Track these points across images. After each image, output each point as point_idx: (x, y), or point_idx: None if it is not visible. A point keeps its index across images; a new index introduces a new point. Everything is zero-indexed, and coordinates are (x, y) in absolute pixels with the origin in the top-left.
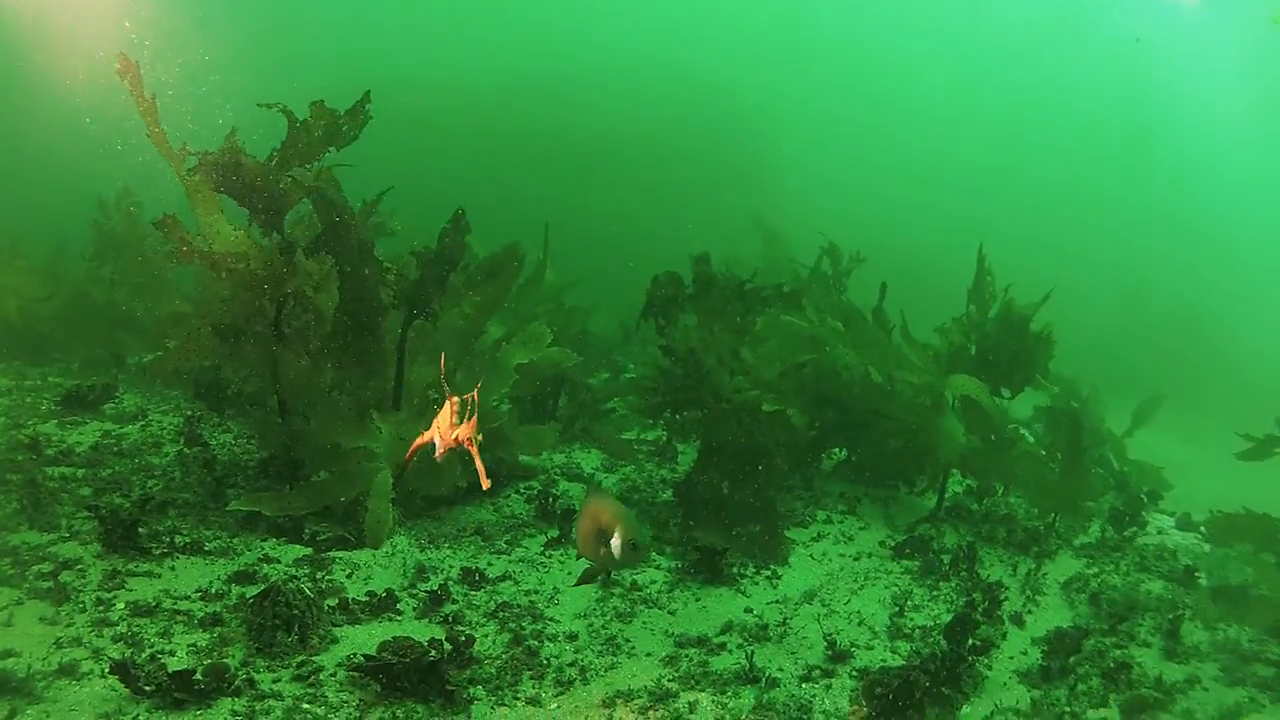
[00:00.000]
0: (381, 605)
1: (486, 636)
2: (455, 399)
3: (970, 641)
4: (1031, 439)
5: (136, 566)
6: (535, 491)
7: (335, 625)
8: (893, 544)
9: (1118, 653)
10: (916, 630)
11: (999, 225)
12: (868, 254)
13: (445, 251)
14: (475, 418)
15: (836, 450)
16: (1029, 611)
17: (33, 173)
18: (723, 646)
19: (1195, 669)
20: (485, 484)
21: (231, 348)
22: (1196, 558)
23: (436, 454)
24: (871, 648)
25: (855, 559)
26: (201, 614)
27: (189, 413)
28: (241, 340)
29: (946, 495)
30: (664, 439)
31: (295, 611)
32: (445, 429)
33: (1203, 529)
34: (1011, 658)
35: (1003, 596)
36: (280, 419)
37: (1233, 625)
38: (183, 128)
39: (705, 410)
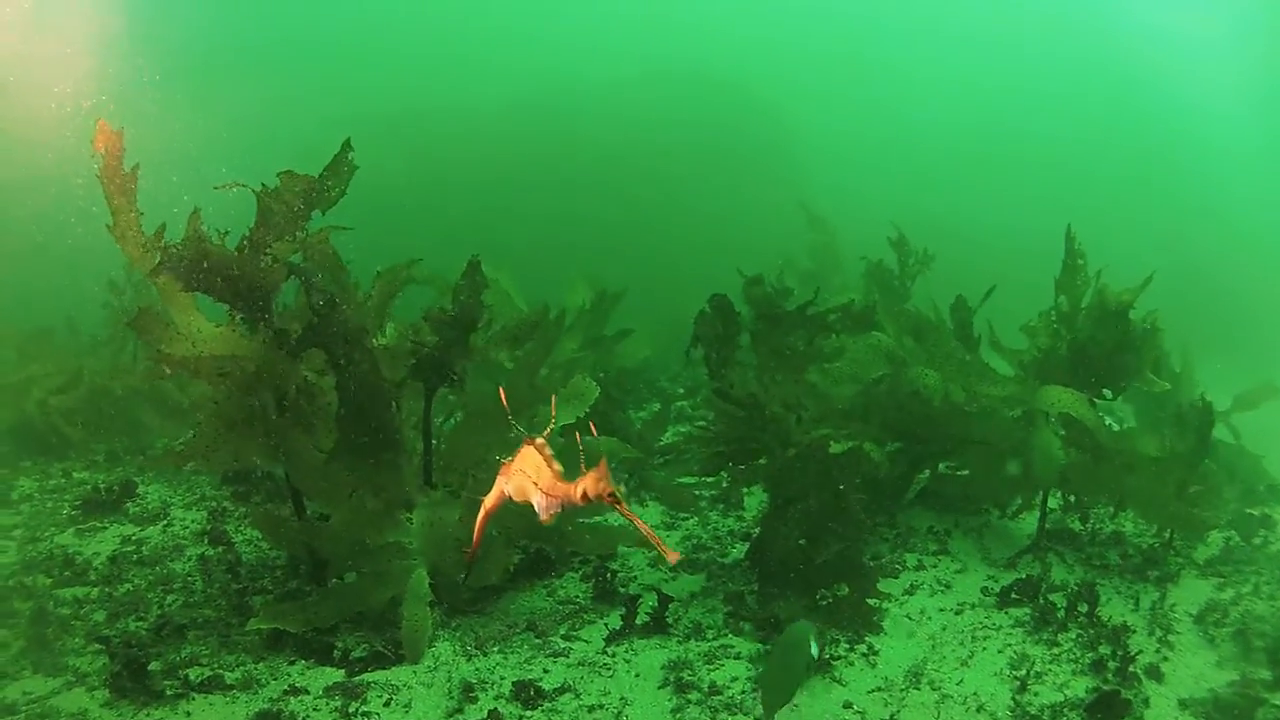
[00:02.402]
0: None
1: None
2: (538, 440)
3: None
4: (1116, 426)
5: (148, 716)
6: (592, 568)
7: None
8: (996, 588)
9: None
10: (1046, 711)
11: (1078, 204)
12: (933, 249)
13: (462, 311)
14: (604, 464)
15: (921, 475)
16: (1165, 659)
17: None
18: None
19: None
20: (673, 557)
21: (241, 440)
22: None
23: (543, 516)
24: None
25: (957, 613)
26: None
27: (214, 505)
28: (249, 433)
29: (1045, 514)
30: (726, 483)
31: None
32: (549, 481)
33: None
34: None
35: (1133, 648)
36: (297, 516)
37: None
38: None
39: (771, 459)
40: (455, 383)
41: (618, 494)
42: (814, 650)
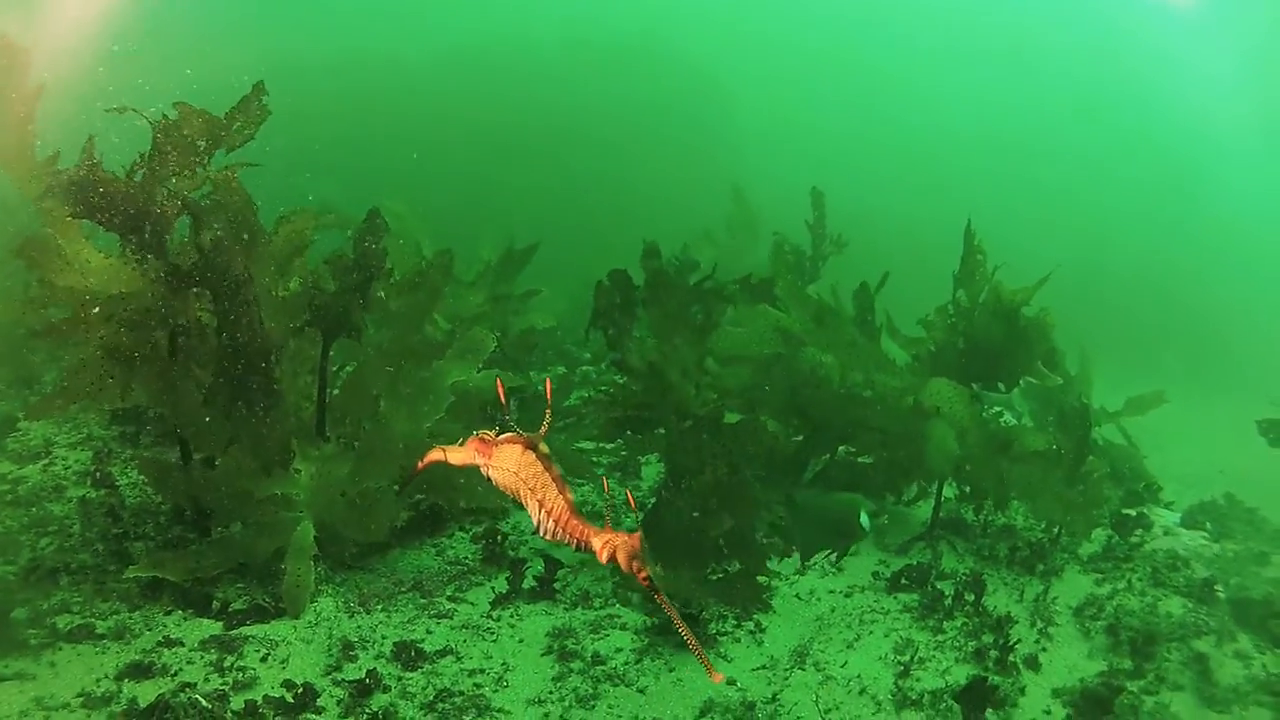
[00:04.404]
0: (300, 703)
1: None
2: (533, 439)
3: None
4: (1013, 420)
5: (6, 667)
6: (483, 529)
7: None
8: (887, 573)
9: (1150, 701)
10: (926, 696)
11: (995, 200)
12: (849, 236)
13: (364, 258)
14: (639, 539)
15: (818, 459)
16: (1043, 649)
17: None
18: None
19: (1240, 719)
20: (717, 678)
21: (127, 376)
22: (1209, 563)
23: (541, 533)
24: None
25: (847, 595)
26: None
27: (100, 446)
28: (136, 369)
29: (940, 503)
30: (624, 451)
31: None
32: (559, 507)
33: (1209, 525)
34: (1034, 719)
35: (1013, 638)
36: (183, 462)
37: (1265, 652)
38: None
39: (668, 429)
40: (354, 333)
41: (653, 579)
42: (866, 523)
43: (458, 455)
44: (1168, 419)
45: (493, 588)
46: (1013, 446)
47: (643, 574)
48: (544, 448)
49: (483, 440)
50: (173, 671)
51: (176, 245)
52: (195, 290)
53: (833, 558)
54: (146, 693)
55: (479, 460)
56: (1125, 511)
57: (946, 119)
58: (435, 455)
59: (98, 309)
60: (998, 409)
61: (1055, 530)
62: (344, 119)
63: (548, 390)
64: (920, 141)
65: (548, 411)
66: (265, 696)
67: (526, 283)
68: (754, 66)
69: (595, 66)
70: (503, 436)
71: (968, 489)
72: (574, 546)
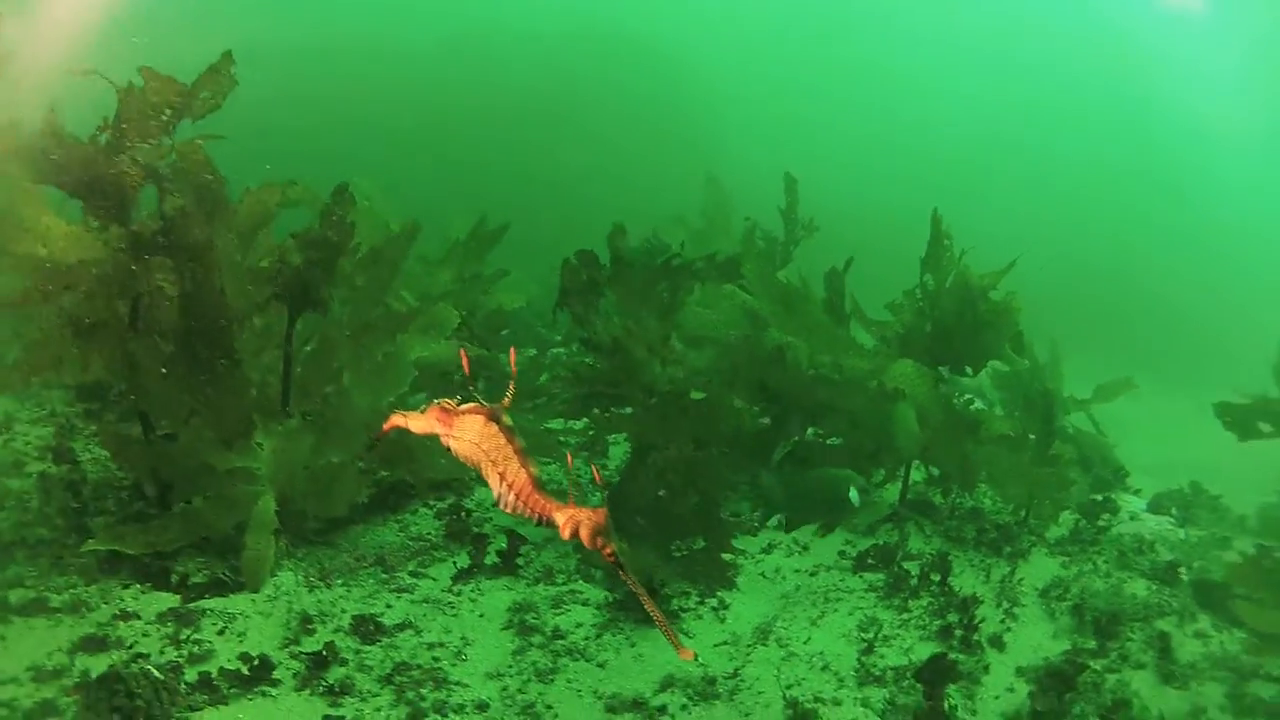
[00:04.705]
0: (255, 675)
1: (379, 712)
2: (496, 409)
3: (949, 687)
4: (985, 406)
5: None
6: (446, 505)
7: (194, 709)
8: (853, 553)
9: (1112, 679)
10: (889, 672)
11: (975, 192)
12: (821, 221)
13: (330, 232)
14: (605, 514)
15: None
16: (1008, 629)
17: None
18: (662, 710)
19: (1197, 695)
20: (686, 654)
21: (88, 348)
22: (1174, 547)
23: (502, 507)
24: (839, 702)
25: (812, 574)
26: (30, 702)
27: (63, 422)
28: (97, 339)
29: (908, 485)
30: (591, 430)
31: (138, 702)
32: (521, 480)
33: (1174, 511)
34: (997, 697)
35: (979, 616)
36: (144, 435)
37: (1223, 630)
38: None
39: (635, 406)
40: (320, 307)
41: (620, 557)
42: (854, 498)
43: (419, 423)
44: (1139, 411)
45: (455, 563)
46: (980, 430)
47: (608, 549)
48: (507, 419)
49: (444, 409)
50: (128, 645)
51: (142, 214)
52: (157, 259)
53: (820, 532)
54: (99, 666)
55: (439, 429)
56: (1093, 497)
57: (929, 110)
58: (397, 421)
59: (58, 277)
60: (969, 396)
61: (1023, 513)
62: (319, 104)
63: (511, 360)
64: (900, 132)
65: (511, 383)
66: (221, 669)
67: (499, 266)
68: (732, 55)
69: (575, 54)
70: (465, 406)
71: (936, 472)
72: (535, 521)
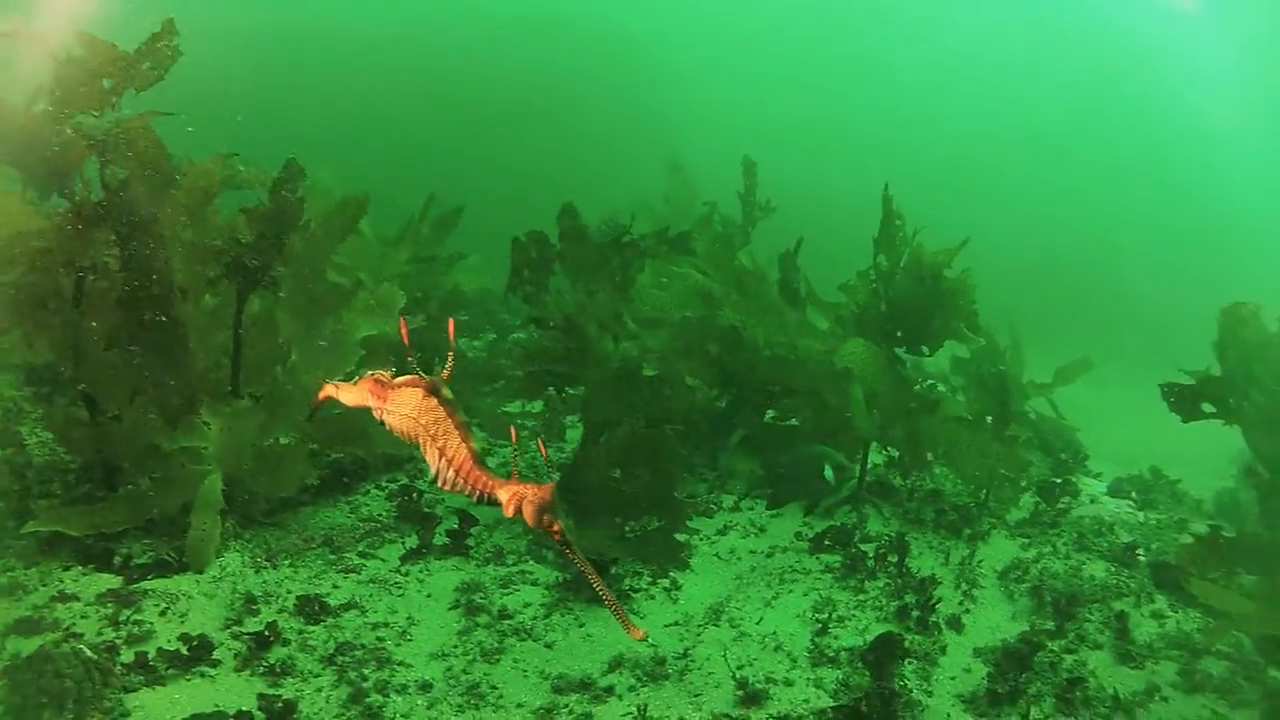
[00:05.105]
0: (194, 656)
1: (320, 692)
2: (435, 382)
3: (900, 667)
4: (946, 391)
5: None
6: (399, 486)
7: (129, 690)
8: (810, 534)
9: (1069, 659)
10: (843, 653)
11: (930, 172)
12: (799, 208)
13: (281, 208)
14: (552, 490)
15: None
16: (966, 611)
17: None
18: (610, 690)
19: (1152, 673)
20: (637, 634)
21: (32, 324)
22: (1133, 530)
23: (441, 484)
24: (791, 682)
25: (768, 555)
26: None
27: (9, 405)
28: (39, 316)
29: (868, 469)
30: (547, 413)
31: (68, 683)
32: (460, 456)
33: (1134, 495)
34: (953, 677)
35: (936, 597)
36: (90, 417)
37: (1179, 610)
38: None
39: (587, 383)
40: (270, 285)
41: (566, 534)
42: (829, 475)
43: (350, 395)
44: (1106, 401)
45: (405, 544)
46: (935, 409)
47: (555, 527)
48: (447, 392)
49: (378, 381)
50: (64, 626)
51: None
52: (101, 233)
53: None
54: (31, 648)
55: (372, 402)
56: (1053, 480)
57: (898, 99)
58: (328, 391)
59: None
60: (931, 381)
61: (983, 495)
62: (284, 90)
63: (450, 332)
64: (865, 120)
65: (450, 355)
66: (159, 649)
67: (461, 250)
68: (698, 44)
69: (540, 42)
70: (401, 379)
71: (896, 454)
72: (475, 498)
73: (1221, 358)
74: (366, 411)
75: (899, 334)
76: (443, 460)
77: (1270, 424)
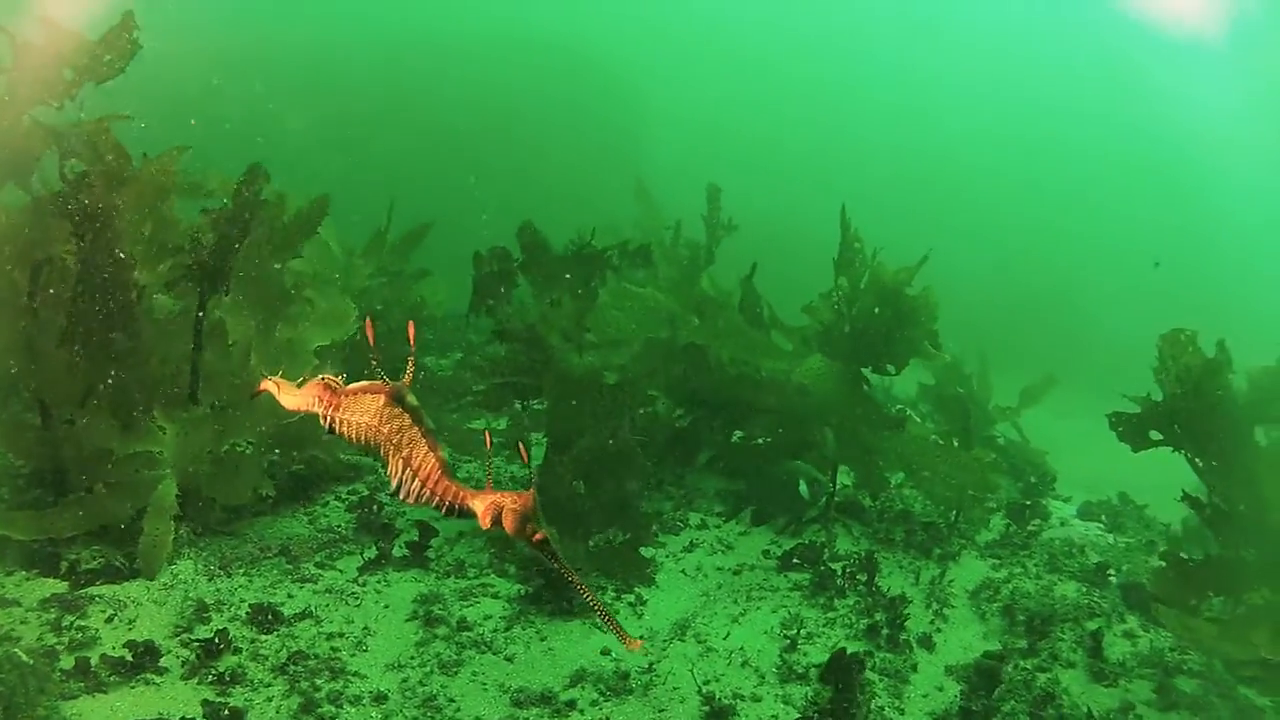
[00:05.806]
0: (139, 663)
1: (270, 701)
2: (398, 388)
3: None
4: (918, 418)
5: None
6: (359, 498)
7: (67, 697)
8: (778, 553)
9: (1043, 678)
10: (812, 669)
11: (897, 199)
12: (742, 223)
13: (242, 211)
14: (533, 496)
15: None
16: (938, 630)
17: None
18: (572, 705)
19: (1125, 691)
20: (633, 645)
21: None
22: (1104, 551)
23: (404, 496)
24: (759, 698)
25: (735, 573)
26: None
27: None
28: None
29: (836, 489)
30: (510, 427)
31: (1, 689)
32: (427, 464)
33: (1103, 518)
34: (925, 695)
35: (906, 614)
36: (42, 421)
37: (1150, 630)
38: None
39: (549, 394)
40: (228, 290)
41: (551, 540)
42: (804, 491)
43: (293, 398)
44: (1076, 429)
45: (363, 555)
46: (901, 426)
47: (537, 535)
48: (411, 398)
49: (328, 386)
50: (4, 631)
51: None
52: (58, 228)
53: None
54: None
55: (318, 409)
56: (1023, 502)
57: (865, 126)
58: (268, 386)
59: None
60: (900, 406)
61: (953, 516)
62: (255, 106)
63: (410, 335)
64: (829, 147)
65: (410, 359)
66: (103, 655)
67: (427, 268)
68: (668, 69)
69: (513, 65)
70: (358, 384)
71: (865, 473)
72: (443, 511)
73: (1161, 384)
74: (314, 417)
75: (864, 353)
76: (407, 471)
77: (1212, 450)
